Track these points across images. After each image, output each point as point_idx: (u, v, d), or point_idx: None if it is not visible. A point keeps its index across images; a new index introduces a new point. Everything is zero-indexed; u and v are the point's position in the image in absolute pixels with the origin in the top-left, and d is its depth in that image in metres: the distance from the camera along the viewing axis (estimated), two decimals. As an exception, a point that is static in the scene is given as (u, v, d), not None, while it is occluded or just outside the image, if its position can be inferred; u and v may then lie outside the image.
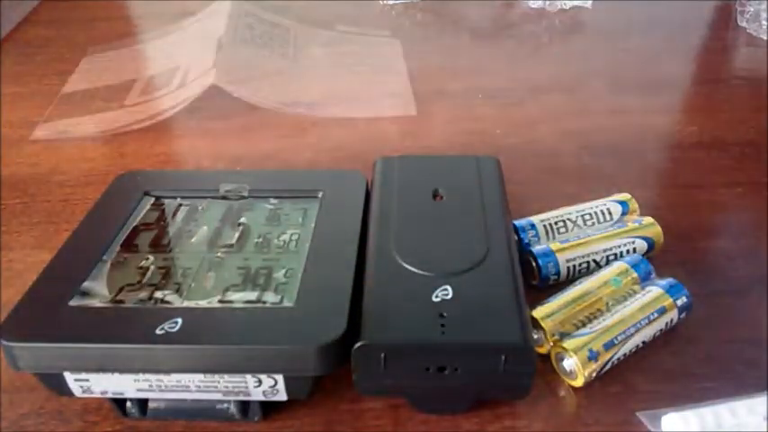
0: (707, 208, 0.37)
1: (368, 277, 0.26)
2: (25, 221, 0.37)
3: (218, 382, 0.24)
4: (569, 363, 0.26)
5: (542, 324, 0.27)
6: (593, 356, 0.26)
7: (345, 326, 0.24)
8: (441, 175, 0.32)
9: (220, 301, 0.26)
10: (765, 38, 0.58)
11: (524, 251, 0.31)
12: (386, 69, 0.53)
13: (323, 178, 0.33)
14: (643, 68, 0.54)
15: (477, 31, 0.62)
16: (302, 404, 0.26)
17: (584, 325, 0.27)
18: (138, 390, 0.24)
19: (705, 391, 0.26)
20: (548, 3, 0.64)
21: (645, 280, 0.30)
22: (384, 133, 0.45)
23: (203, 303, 0.26)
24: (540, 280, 0.31)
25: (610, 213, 0.33)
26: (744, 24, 0.60)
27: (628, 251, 0.31)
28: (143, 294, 0.26)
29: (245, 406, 0.25)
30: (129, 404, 0.25)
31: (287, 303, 0.25)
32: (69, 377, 0.24)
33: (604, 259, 0.31)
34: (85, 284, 0.26)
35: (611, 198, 0.34)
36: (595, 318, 0.28)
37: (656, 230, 0.32)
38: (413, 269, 0.26)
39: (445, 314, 0.24)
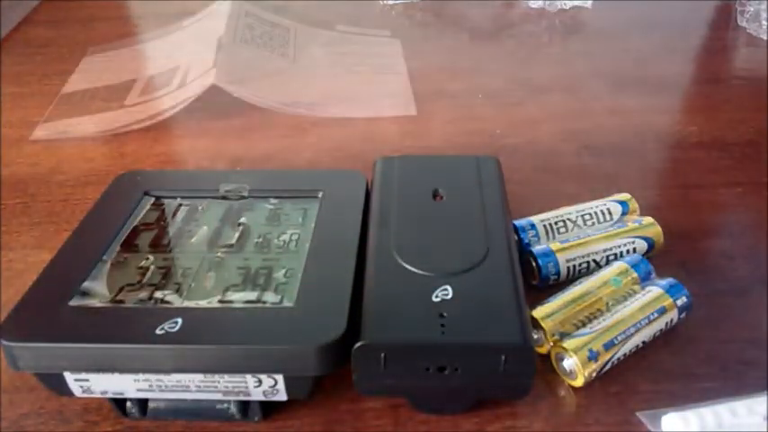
0: (707, 208, 0.37)
1: (368, 277, 0.26)
2: (25, 221, 0.37)
3: (218, 382, 0.24)
4: (569, 363, 0.26)
5: (542, 324, 0.27)
6: (593, 356, 0.26)
7: (345, 326, 0.24)
8: (441, 175, 0.32)
9: (220, 301, 0.26)
10: (765, 38, 0.58)
11: (524, 251, 0.31)
12: (386, 69, 0.53)
13: (323, 178, 0.33)
14: (643, 68, 0.54)
15: (477, 31, 0.62)
16: (302, 404, 0.26)
17: (584, 325, 0.27)
18: (138, 390, 0.24)
19: (705, 391, 0.26)
20: (548, 3, 0.64)
21: (645, 280, 0.30)
22: (384, 133, 0.45)
23: (203, 303, 0.26)
24: (540, 280, 0.31)
25: (610, 213, 0.33)
26: (744, 24, 0.60)
27: (628, 251, 0.31)
28: (143, 294, 0.26)
29: (245, 406, 0.25)
30: (129, 404, 0.25)
31: (287, 303, 0.25)
32: (69, 377, 0.24)
33: (604, 259, 0.31)
34: (85, 284, 0.26)
35: (611, 198, 0.34)
36: (595, 318, 0.28)
37: (656, 230, 0.32)
38: (413, 269, 0.26)
39: (445, 314, 0.24)
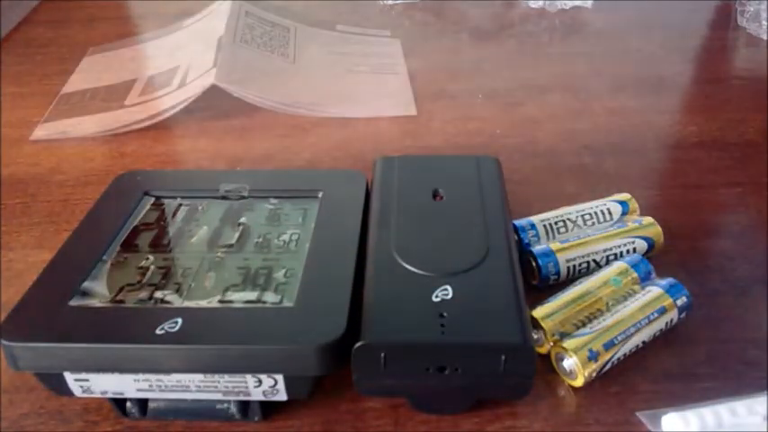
0: (707, 208, 0.37)
1: (368, 277, 0.26)
2: (25, 221, 0.37)
3: (218, 382, 0.24)
4: (569, 363, 0.26)
5: (542, 324, 0.27)
6: (593, 356, 0.26)
7: (345, 326, 0.24)
8: (441, 174, 0.32)
9: (220, 301, 0.26)
10: (765, 38, 0.58)
11: (524, 251, 0.31)
12: (386, 69, 0.53)
13: (323, 178, 0.33)
14: (643, 68, 0.54)
15: (477, 31, 0.62)
16: (302, 404, 0.26)
17: (584, 325, 0.27)
18: (138, 390, 0.24)
19: (705, 391, 0.26)
20: (548, 3, 0.64)
21: (645, 280, 0.30)
22: (384, 133, 0.45)
23: (203, 303, 0.26)
24: (540, 280, 0.31)
25: (610, 213, 0.33)
26: (744, 24, 0.60)
27: (628, 251, 0.31)
28: (143, 294, 0.26)
29: (245, 406, 0.25)
30: (129, 404, 0.25)
31: (287, 303, 0.25)
32: (69, 377, 0.24)
33: (604, 259, 0.31)
34: (85, 284, 0.26)
35: (611, 198, 0.34)
36: (595, 318, 0.28)
37: (656, 230, 0.32)
38: (413, 269, 0.26)
39: (445, 314, 0.24)
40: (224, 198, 0.32)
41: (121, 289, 0.26)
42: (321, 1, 0.66)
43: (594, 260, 0.31)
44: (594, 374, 0.26)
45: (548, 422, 0.26)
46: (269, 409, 0.26)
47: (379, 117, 0.47)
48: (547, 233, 0.32)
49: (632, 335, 0.27)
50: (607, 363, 0.27)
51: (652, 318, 0.28)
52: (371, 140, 0.44)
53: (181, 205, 0.32)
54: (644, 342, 0.27)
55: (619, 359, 0.27)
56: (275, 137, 0.45)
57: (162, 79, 0.50)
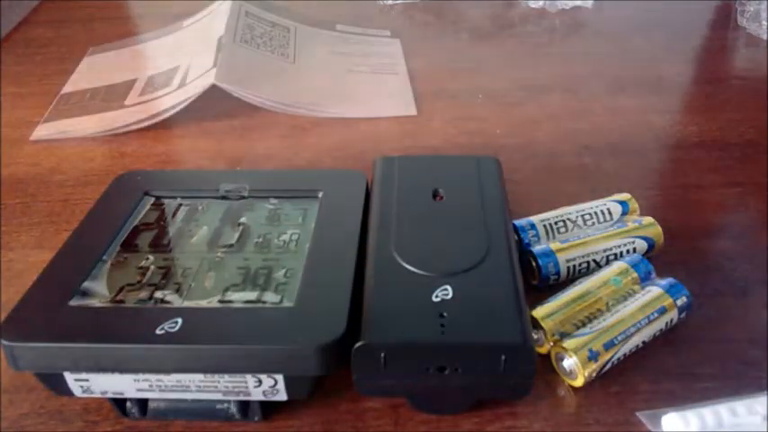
0: (707, 208, 0.37)
1: (368, 277, 0.26)
2: (25, 221, 0.37)
3: (218, 382, 0.24)
4: (569, 363, 0.26)
5: (542, 324, 0.27)
6: (593, 356, 0.26)
7: (345, 326, 0.24)
8: (441, 175, 0.32)
9: (220, 301, 0.26)
10: (765, 38, 0.58)
11: (524, 251, 0.31)
12: (386, 69, 0.53)
13: (323, 178, 0.33)
14: (643, 68, 0.54)
15: (477, 31, 0.62)
16: (302, 404, 0.26)
17: (584, 325, 0.27)
18: (138, 390, 0.24)
19: (705, 391, 0.26)
20: (548, 3, 0.64)
21: (645, 280, 0.30)
22: (384, 133, 0.45)
23: (203, 303, 0.26)
24: (540, 280, 0.31)
25: (610, 213, 0.33)
26: (744, 24, 0.60)
27: (628, 251, 0.31)
28: (143, 294, 0.26)
29: (245, 406, 0.25)
30: (129, 404, 0.25)
31: (287, 303, 0.25)
32: (69, 377, 0.24)
33: (604, 259, 0.31)
34: (85, 284, 0.26)
35: (611, 198, 0.34)
36: (595, 318, 0.28)
37: (656, 230, 0.32)
38: (413, 269, 0.26)
39: (445, 314, 0.24)
40: (224, 198, 0.32)
41: (121, 289, 0.26)
42: (321, 1, 0.66)
43: (594, 260, 0.31)
44: (594, 374, 0.26)
45: (548, 422, 0.26)
46: (269, 409, 0.26)
47: (379, 117, 0.47)
48: (547, 233, 0.32)
49: (632, 335, 0.27)
50: (607, 363, 0.27)
51: (652, 318, 0.28)
52: (371, 140, 0.44)
53: (181, 205, 0.32)
54: (644, 342, 0.27)
55: (619, 359, 0.27)
56: (275, 137, 0.45)
57: (162, 79, 0.50)
